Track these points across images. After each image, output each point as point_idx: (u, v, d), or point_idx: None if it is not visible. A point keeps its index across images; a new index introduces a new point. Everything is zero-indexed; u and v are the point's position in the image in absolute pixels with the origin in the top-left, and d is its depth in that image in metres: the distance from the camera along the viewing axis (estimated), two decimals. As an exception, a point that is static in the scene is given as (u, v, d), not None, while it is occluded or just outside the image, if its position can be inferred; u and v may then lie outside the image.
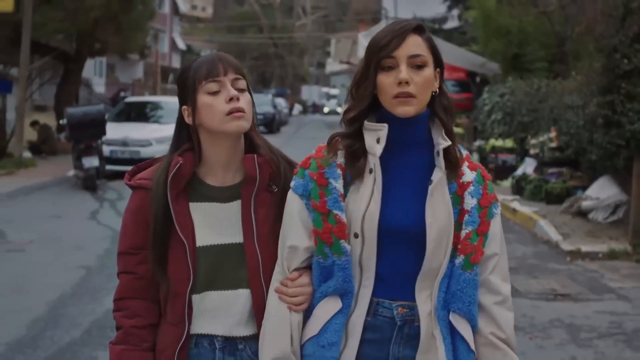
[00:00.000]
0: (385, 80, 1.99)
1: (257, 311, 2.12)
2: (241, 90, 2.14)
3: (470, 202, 2.03)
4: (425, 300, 2.02)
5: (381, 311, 2.02)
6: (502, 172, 14.28)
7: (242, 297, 2.13)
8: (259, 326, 2.11)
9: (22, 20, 16.48)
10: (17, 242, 9.02)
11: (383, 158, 2.02)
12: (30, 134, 19.30)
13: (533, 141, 13.24)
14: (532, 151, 13.18)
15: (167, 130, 13.84)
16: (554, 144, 12.35)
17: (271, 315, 2.05)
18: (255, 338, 2.12)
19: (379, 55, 1.99)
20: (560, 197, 11.46)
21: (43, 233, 9.59)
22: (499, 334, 2.05)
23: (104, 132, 13.72)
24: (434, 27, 37.34)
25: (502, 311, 2.06)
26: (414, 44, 1.99)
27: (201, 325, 2.14)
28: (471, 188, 2.04)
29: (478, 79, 24.31)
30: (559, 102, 12.59)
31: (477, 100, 19.93)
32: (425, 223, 1.99)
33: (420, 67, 1.99)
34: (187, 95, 2.14)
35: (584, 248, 9.03)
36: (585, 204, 10.48)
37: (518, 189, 12.72)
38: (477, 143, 17.53)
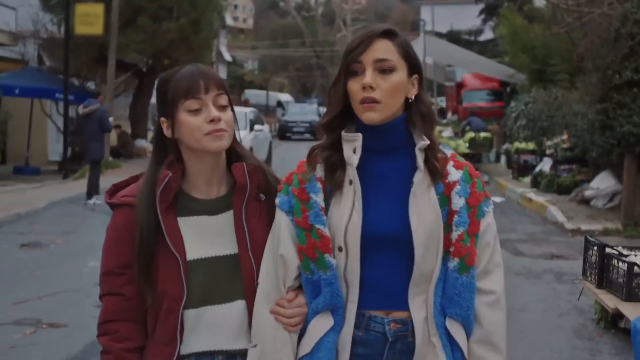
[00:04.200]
0: (353, 86, 1.95)
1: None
2: (223, 107, 2.05)
3: (458, 202, 1.96)
4: (420, 306, 1.96)
5: (373, 326, 1.97)
6: (523, 170, 16.58)
7: (238, 308, 2.06)
8: None
9: (106, 41, 19.09)
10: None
11: (363, 166, 1.96)
12: (111, 139, 21.90)
13: (548, 143, 15.57)
14: (548, 151, 15.49)
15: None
16: (565, 145, 14.63)
17: (268, 334, 1.99)
18: None
19: (347, 60, 1.96)
20: (569, 188, 13.69)
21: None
22: (480, 334, 1.99)
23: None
24: (469, 39, 39.20)
25: (491, 312, 2.00)
26: (382, 49, 1.94)
27: (200, 342, 2.05)
28: (458, 187, 1.97)
29: (508, 89, 26.34)
30: (569, 110, 14.82)
31: (506, 109, 22.08)
32: (411, 227, 1.92)
33: (387, 71, 1.93)
34: (166, 109, 2.06)
35: (584, 227, 11.08)
36: (588, 193, 12.73)
37: (535, 183, 15.00)
38: (505, 146, 19.79)
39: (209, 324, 2.05)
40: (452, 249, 1.95)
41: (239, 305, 2.06)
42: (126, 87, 24.36)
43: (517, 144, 17.61)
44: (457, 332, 1.97)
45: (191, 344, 2.05)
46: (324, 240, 1.94)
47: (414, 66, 1.99)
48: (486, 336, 1.99)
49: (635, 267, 3.98)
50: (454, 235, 1.95)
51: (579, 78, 13.83)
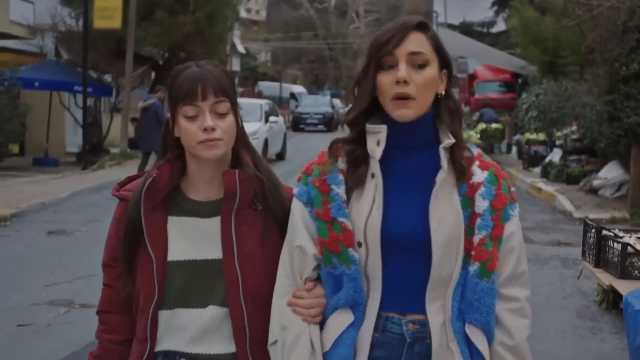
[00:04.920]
0: (385, 80, 1.87)
1: (237, 330, 2.02)
2: (222, 115, 2.01)
3: (481, 204, 1.89)
4: (438, 311, 1.90)
5: (390, 327, 1.91)
6: (534, 160, 16.94)
7: (208, 314, 2.03)
8: (238, 346, 2.03)
9: (124, 35, 19.45)
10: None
11: (386, 163, 1.90)
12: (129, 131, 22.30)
13: (558, 134, 15.88)
14: (557, 142, 15.81)
15: (249, 127, 16.52)
16: (575, 136, 14.94)
17: (288, 327, 1.93)
18: (219, 359, 2.04)
19: (379, 53, 1.88)
20: (578, 178, 14.02)
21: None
22: (507, 342, 1.92)
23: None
24: (482, 31, 39.45)
25: (514, 318, 1.93)
26: (416, 42, 1.88)
27: (168, 342, 2.06)
28: (482, 189, 1.90)
29: (520, 81, 26.58)
30: (578, 101, 15.10)
31: (518, 100, 22.35)
32: (430, 229, 1.86)
33: (421, 66, 1.87)
34: (171, 107, 2.05)
35: (591, 215, 11.20)
36: (596, 182, 13.03)
37: (545, 173, 15.33)
38: (516, 137, 20.09)
39: (179, 326, 2.04)
40: (473, 253, 1.88)
41: (210, 311, 2.03)
42: (142, 80, 24.76)
43: (527, 135, 17.94)
44: (477, 338, 1.90)
45: (162, 343, 2.06)
46: (347, 234, 1.88)
47: (444, 60, 1.94)
48: (509, 340, 1.93)
49: (629, 247, 4.29)
50: (476, 238, 1.88)
51: (588, 70, 14.09)
